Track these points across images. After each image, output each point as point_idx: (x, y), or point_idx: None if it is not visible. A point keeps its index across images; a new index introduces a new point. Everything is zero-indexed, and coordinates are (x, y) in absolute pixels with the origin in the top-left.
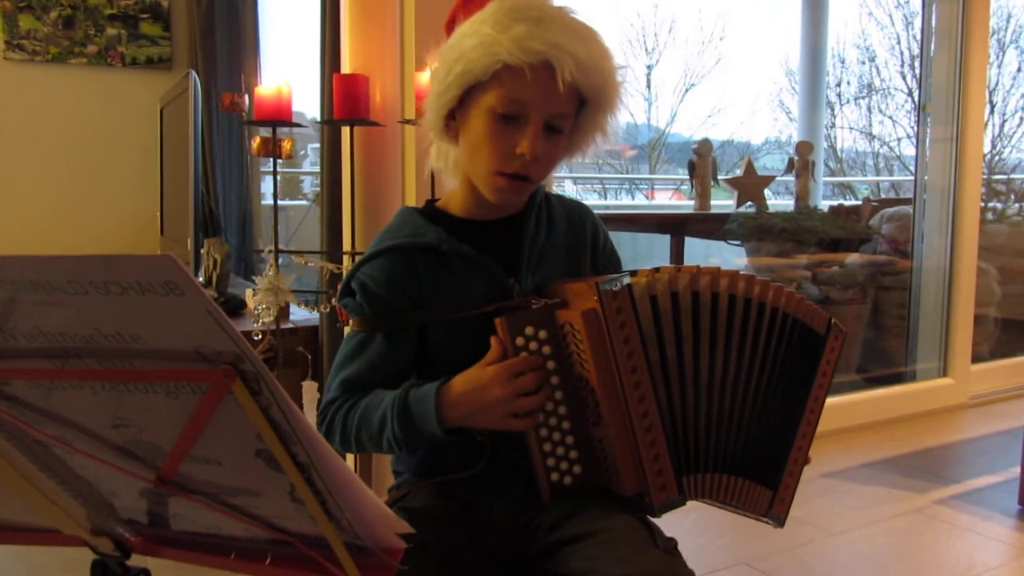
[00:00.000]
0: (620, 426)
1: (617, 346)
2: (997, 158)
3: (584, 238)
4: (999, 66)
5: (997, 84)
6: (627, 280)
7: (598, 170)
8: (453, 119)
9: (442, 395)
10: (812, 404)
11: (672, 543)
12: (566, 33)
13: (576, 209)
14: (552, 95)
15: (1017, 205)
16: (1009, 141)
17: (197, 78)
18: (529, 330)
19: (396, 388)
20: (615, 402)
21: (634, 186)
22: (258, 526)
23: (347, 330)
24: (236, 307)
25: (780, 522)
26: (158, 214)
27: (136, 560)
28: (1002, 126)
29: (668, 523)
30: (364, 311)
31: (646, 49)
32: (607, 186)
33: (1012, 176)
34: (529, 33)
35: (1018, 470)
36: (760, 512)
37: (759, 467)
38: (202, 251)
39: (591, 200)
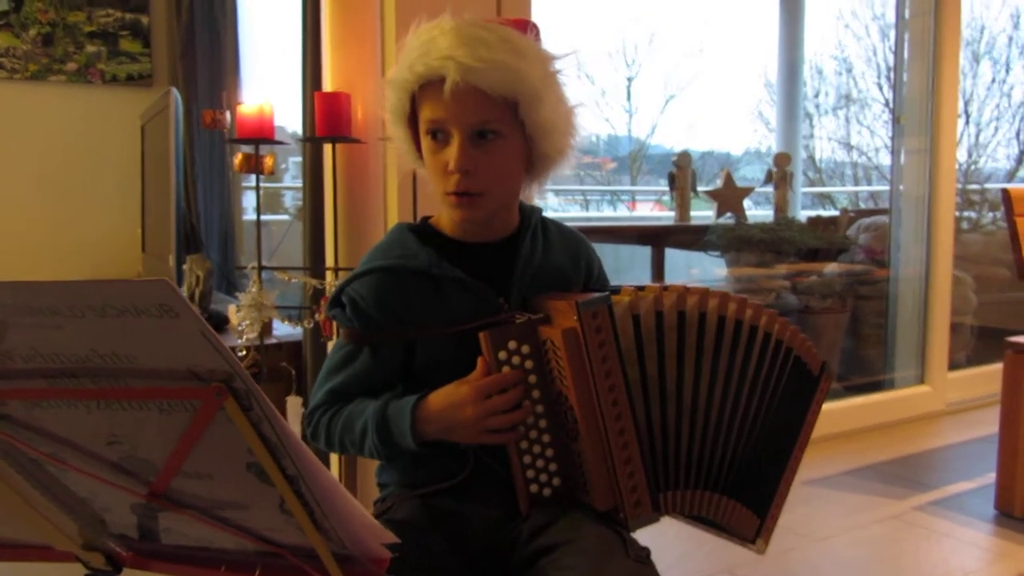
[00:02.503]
0: (596, 442)
1: (596, 365)
2: (973, 167)
3: (578, 266)
4: (974, 77)
5: (972, 95)
6: (609, 299)
7: (580, 182)
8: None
9: (418, 410)
10: (804, 435)
11: (645, 552)
12: (457, 43)
13: (572, 238)
14: (458, 106)
15: (991, 214)
16: (984, 151)
17: (178, 95)
18: (512, 344)
19: (379, 397)
20: (592, 419)
21: (616, 198)
22: (248, 538)
23: (335, 340)
24: (219, 323)
25: (763, 550)
26: (139, 231)
27: (127, 574)
28: (978, 136)
29: (650, 532)
30: (353, 325)
31: (626, 61)
32: (589, 198)
33: (986, 186)
34: (420, 54)
35: (994, 476)
36: (747, 538)
37: (748, 491)
38: (184, 268)
39: (573, 212)
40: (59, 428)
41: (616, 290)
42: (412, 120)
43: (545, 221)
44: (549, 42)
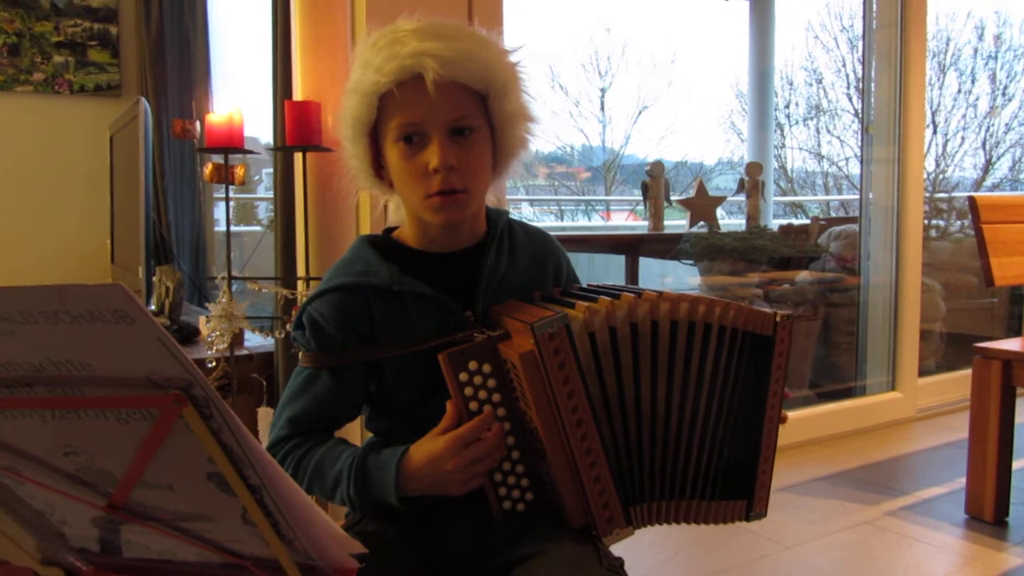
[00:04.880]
0: (564, 462)
1: (556, 386)
2: (941, 176)
3: (545, 270)
4: (941, 88)
5: (939, 105)
6: (566, 319)
7: (554, 192)
8: (382, 167)
9: (401, 468)
10: (772, 400)
11: (618, 562)
12: (424, 39)
13: (539, 239)
14: (437, 103)
15: (959, 222)
16: (952, 160)
17: (148, 105)
18: (473, 365)
19: (342, 423)
20: (557, 440)
21: (590, 207)
22: (211, 550)
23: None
24: (189, 335)
25: (763, 516)
26: (109, 242)
27: None
28: (945, 146)
29: (626, 540)
30: (311, 347)
31: (599, 72)
32: (563, 208)
33: (953, 194)
34: (388, 56)
35: (964, 480)
36: (739, 519)
37: (725, 485)
38: (154, 279)
39: (548, 221)
40: (13, 439)
41: (571, 304)
42: (370, 133)
43: (512, 225)
44: (524, 55)
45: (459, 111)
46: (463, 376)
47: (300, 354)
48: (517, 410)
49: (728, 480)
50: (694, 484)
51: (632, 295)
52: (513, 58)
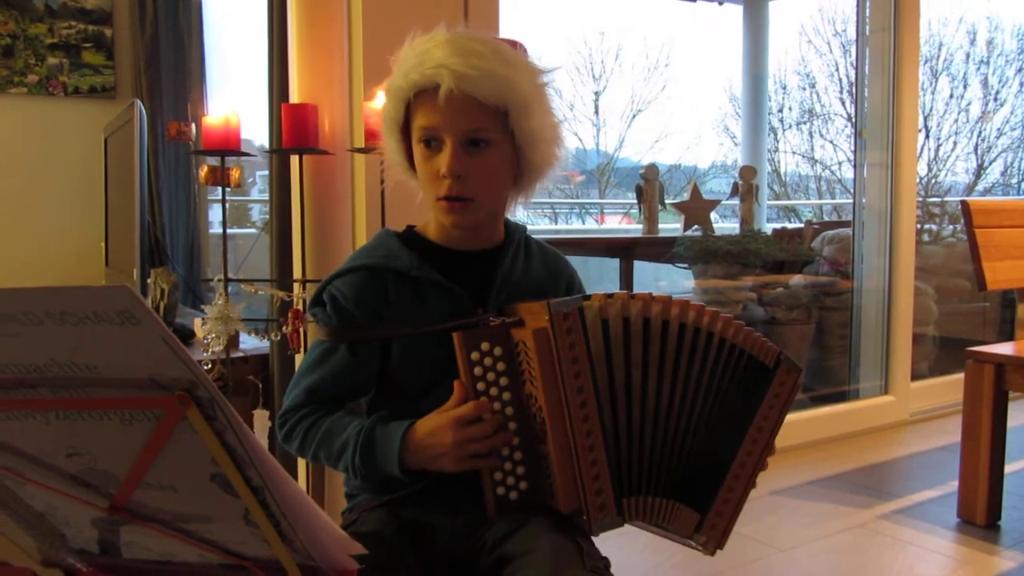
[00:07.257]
0: (563, 444)
1: (565, 366)
2: (933, 181)
3: (558, 285)
4: (933, 93)
5: (931, 110)
6: (580, 302)
7: (548, 195)
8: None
9: (406, 440)
10: (755, 434)
11: (604, 563)
12: (451, 52)
13: (554, 257)
14: (451, 113)
15: (951, 227)
16: (944, 165)
17: (143, 107)
18: (485, 346)
19: (355, 397)
20: (560, 420)
21: (584, 211)
22: (212, 551)
23: (302, 353)
24: (185, 337)
25: (710, 549)
26: (103, 245)
27: None
28: (937, 150)
29: (620, 544)
30: (332, 322)
31: (593, 76)
32: (558, 211)
33: (946, 199)
34: (416, 64)
35: (956, 484)
36: (685, 535)
37: (691, 490)
38: (149, 281)
39: (542, 225)
40: (16, 440)
41: (587, 296)
42: (405, 130)
43: (528, 239)
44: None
45: (472, 124)
46: (474, 355)
47: (318, 329)
48: (522, 395)
49: (694, 487)
50: (678, 484)
51: (646, 294)
52: (543, 79)
